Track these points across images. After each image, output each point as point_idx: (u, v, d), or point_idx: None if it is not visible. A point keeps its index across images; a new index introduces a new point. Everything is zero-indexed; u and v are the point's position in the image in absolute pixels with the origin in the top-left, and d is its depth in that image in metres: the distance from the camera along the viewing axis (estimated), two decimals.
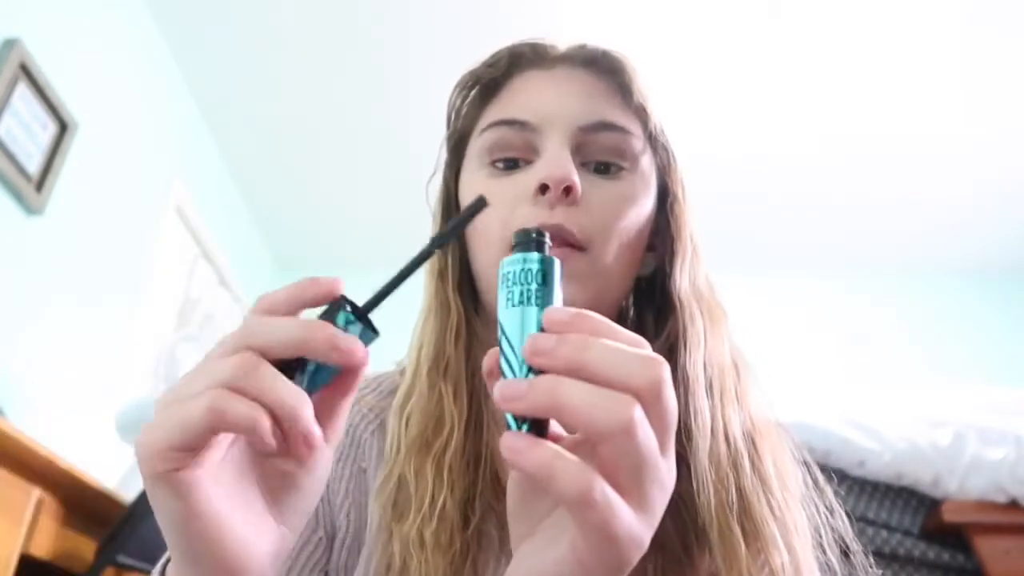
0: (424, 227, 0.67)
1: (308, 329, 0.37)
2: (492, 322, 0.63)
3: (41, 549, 1.33)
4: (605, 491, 0.32)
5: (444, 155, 0.69)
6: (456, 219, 0.42)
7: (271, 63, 2.60)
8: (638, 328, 0.68)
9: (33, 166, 1.86)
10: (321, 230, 3.43)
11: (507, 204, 0.61)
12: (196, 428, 0.35)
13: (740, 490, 0.55)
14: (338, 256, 3.53)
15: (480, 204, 0.40)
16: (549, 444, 0.33)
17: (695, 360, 0.60)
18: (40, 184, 1.88)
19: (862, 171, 2.95)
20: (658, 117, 0.64)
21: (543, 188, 0.58)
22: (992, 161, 2.88)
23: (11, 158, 1.78)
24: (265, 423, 0.35)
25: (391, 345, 0.67)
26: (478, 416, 0.62)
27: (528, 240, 0.38)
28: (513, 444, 0.33)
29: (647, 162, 0.64)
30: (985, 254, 3.36)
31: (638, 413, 0.32)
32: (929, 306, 3.38)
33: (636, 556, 0.34)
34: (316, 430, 0.37)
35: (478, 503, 0.58)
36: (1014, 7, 2.29)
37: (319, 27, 2.46)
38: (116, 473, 1.97)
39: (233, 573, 0.38)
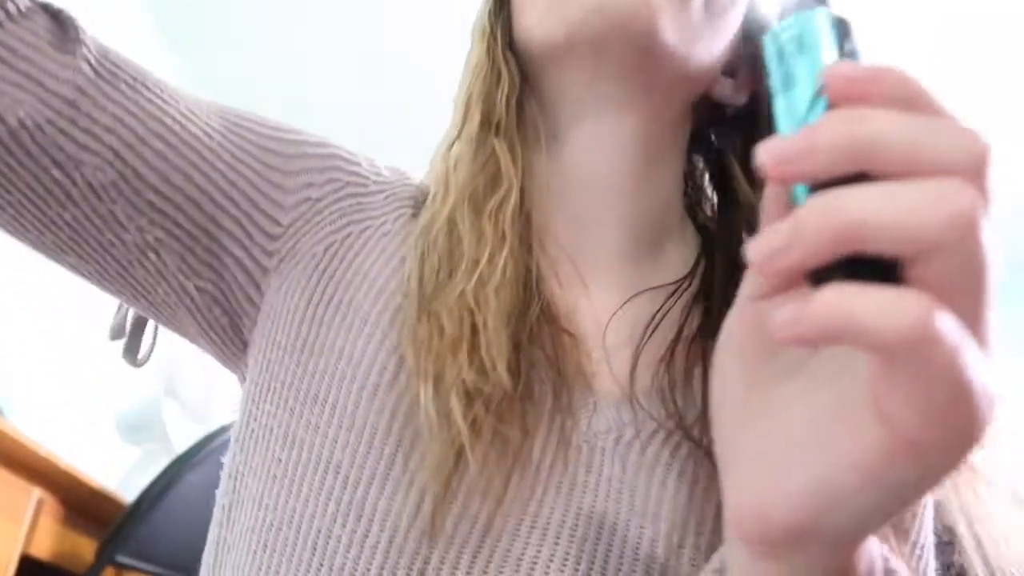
0: None
1: None
2: (540, 96, 0.52)
3: (41, 549, 1.33)
4: (950, 322, 0.20)
5: None
6: None
7: (271, 62, 2.60)
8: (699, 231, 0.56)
9: None
10: None
11: None
12: None
13: None
14: None
15: None
16: (845, 284, 0.20)
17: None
18: None
19: None
20: None
21: None
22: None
23: None
24: None
25: None
26: (524, 231, 0.50)
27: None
28: (787, 316, 0.20)
29: None
30: None
31: (979, 201, 0.21)
32: None
33: (992, 417, 0.21)
34: None
35: (523, 336, 0.46)
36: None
37: (319, 27, 2.46)
38: (116, 473, 1.97)
39: None
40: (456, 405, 0.41)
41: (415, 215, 0.53)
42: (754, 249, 0.22)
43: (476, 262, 0.46)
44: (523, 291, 0.47)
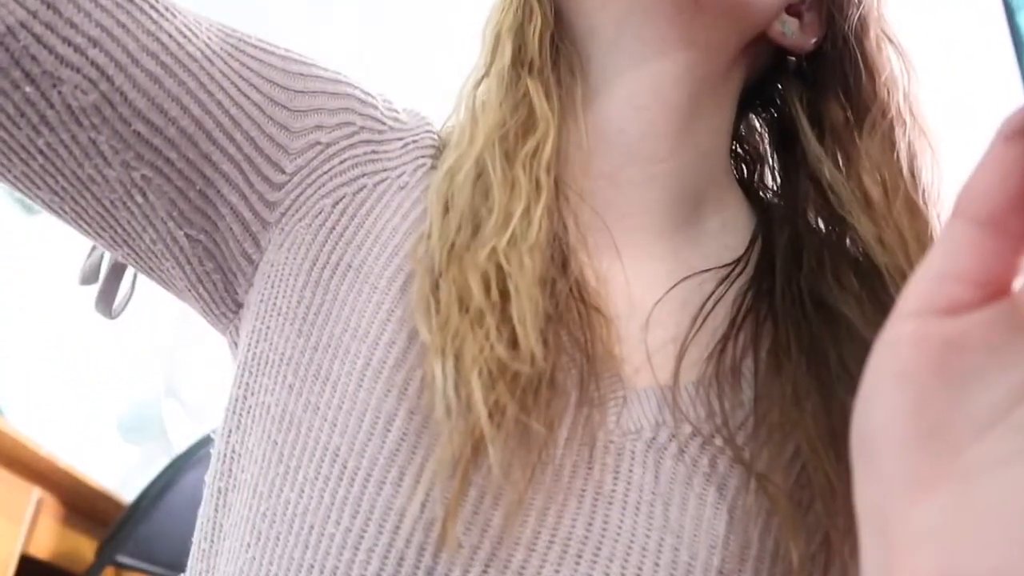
0: None
1: None
2: (573, 38, 0.48)
3: (41, 549, 1.33)
4: None
5: None
6: None
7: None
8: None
9: None
10: None
11: None
12: None
13: None
14: None
15: None
16: None
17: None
18: None
19: None
20: None
21: None
22: None
23: None
24: None
25: None
26: (557, 187, 0.45)
27: None
28: None
29: None
30: None
31: None
32: None
33: None
34: None
35: (552, 311, 0.41)
36: None
37: (318, 28, 2.46)
38: (116, 473, 1.97)
39: None
40: (477, 386, 0.36)
41: (435, 166, 0.47)
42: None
43: (509, 215, 0.40)
44: (556, 256, 0.42)
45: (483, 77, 0.47)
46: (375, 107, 0.48)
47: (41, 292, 1.90)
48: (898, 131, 0.45)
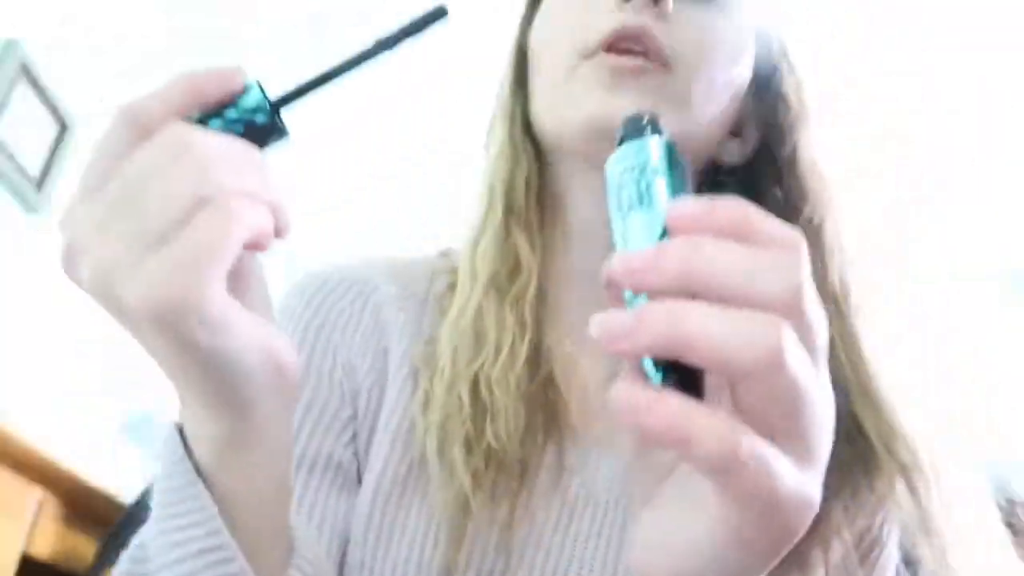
0: None
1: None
2: (561, 176, 0.55)
3: (41, 549, 1.33)
4: (755, 448, 0.24)
5: (522, 12, 0.60)
6: (410, 22, 0.33)
7: (274, 63, 2.59)
8: None
9: (33, 166, 1.86)
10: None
11: (579, 11, 0.51)
12: (232, 250, 0.28)
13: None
14: None
15: (439, 12, 0.32)
16: (675, 398, 0.24)
17: (832, 250, 0.52)
18: (40, 183, 1.88)
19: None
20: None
21: None
22: None
23: (11, 158, 1.78)
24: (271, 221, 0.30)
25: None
26: (540, 312, 0.54)
27: (638, 126, 0.29)
28: (631, 399, 0.25)
29: (750, 20, 0.54)
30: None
31: (787, 337, 0.24)
32: None
33: (808, 517, 0.26)
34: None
35: (532, 402, 0.51)
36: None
37: (318, 29, 2.46)
38: (117, 473, 1.97)
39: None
40: (459, 457, 0.46)
41: (431, 286, 0.57)
42: (599, 324, 0.25)
43: (499, 350, 0.50)
44: (535, 366, 0.51)
45: (479, 236, 0.55)
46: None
47: (41, 292, 1.90)
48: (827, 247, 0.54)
